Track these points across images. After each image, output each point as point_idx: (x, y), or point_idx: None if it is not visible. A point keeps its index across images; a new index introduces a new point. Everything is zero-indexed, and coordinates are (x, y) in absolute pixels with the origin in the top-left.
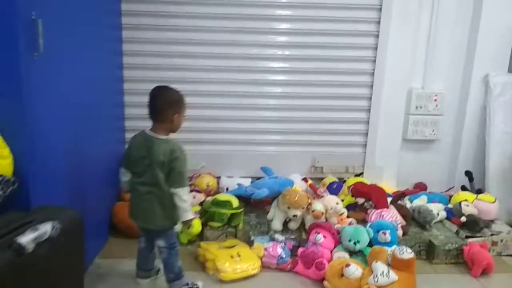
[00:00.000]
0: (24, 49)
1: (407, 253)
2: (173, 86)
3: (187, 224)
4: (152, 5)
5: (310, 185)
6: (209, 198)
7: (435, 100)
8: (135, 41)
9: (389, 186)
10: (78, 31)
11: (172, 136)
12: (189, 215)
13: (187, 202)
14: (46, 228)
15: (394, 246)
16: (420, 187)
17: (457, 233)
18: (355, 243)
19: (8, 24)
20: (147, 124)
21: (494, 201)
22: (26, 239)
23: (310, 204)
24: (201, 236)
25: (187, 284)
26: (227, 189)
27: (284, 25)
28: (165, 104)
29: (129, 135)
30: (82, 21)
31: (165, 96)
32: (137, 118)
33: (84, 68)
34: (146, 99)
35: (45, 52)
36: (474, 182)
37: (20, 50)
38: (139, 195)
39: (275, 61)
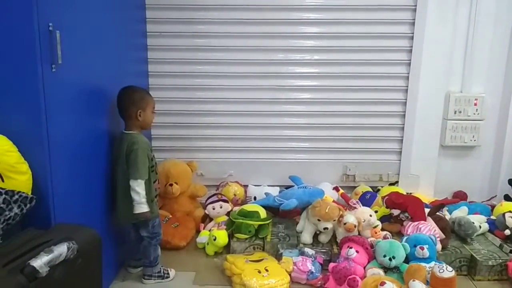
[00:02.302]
0: (42, 61)
1: (448, 272)
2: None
3: (142, 217)
4: (176, 12)
5: (342, 195)
6: (236, 208)
7: (475, 104)
8: (159, 49)
9: (426, 196)
10: (100, 40)
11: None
12: (141, 208)
13: (140, 194)
14: (61, 250)
15: (433, 263)
16: (459, 196)
17: (500, 247)
18: (390, 259)
19: (25, 36)
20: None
21: None
22: (40, 262)
23: (341, 216)
24: (227, 248)
25: (159, 271)
26: (254, 198)
27: (312, 29)
28: (127, 103)
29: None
30: (104, 30)
31: (127, 95)
32: (161, 127)
33: (107, 79)
34: (172, 106)
35: (64, 64)
36: None
37: (37, 63)
38: (115, 190)
39: (304, 65)
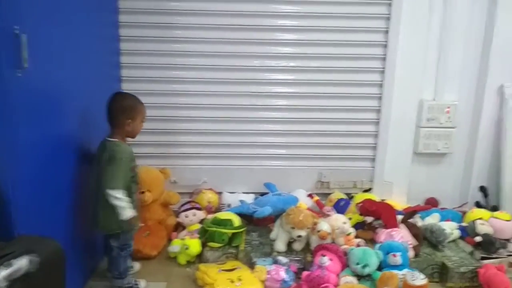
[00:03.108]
0: (6, 66)
1: (420, 279)
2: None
3: (129, 224)
4: (151, 16)
5: (317, 202)
6: (210, 216)
7: (448, 112)
8: (133, 53)
9: (399, 202)
10: (71, 44)
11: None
12: (126, 213)
13: (122, 200)
14: (21, 263)
15: (405, 270)
16: (431, 203)
17: (471, 254)
18: (363, 267)
19: None
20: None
21: (511, 219)
22: None
23: (315, 223)
24: (200, 257)
25: (129, 283)
26: (229, 205)
27: (288, 35)
28: (118, 111)
29: None
30: (76, 33)
31: (118, 102)
32: None
33: (78, 83)
34: None
35: (31, 68)
36: (489, 198)
37: (1, 67)
38: (95, 199)
39: (280, 72)
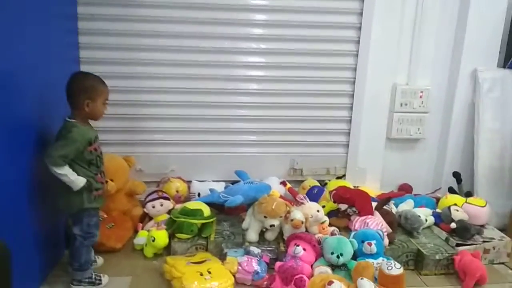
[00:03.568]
0: None
1: (396, 269)
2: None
3: (86, 187)
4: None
5: (289, 189)
6: (178, 206)
7: (421, 96)
8: (93, 33)
9: (373, 189)
10: (20, 22)
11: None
12: (78, 183)
13: (67, 173)
14: None
15: (380, 258)
16: (405, 189)
17: (446, 240)
18: (338, 256)
19: None
20: None
21: (485, 205)
22: None
23: (288, 212)
24: (168, 249)
25: (90, 277)
26: (198, 194)
27: (260, 16)
28: (76, 91)
29: None
30: (27, 11)
31: (77, 82)
32: None
33: (30, 67)
34: None
35: None
36: (462, 184)
37: None
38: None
39: (251, 55)
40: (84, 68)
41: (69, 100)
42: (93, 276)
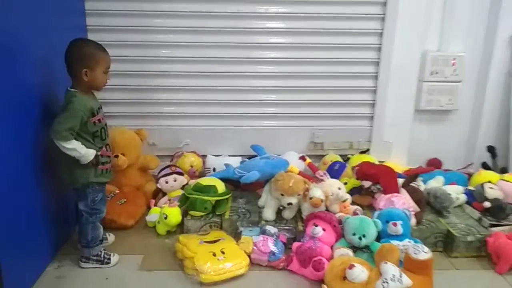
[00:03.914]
0: None
1: (424, 253)
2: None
3: (94, 162)
4: None
5: (309, 164)
6: (192, 182)
7: (453, 64)
8: None
9: (399, 164)
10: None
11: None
12: (87, 156)
13: (76, 147)
14: None
15: (406, 240)
16: (434, 164)
17: (479, 220)
18: (360, 238)
19: None
20: None
21: None
22: None
23: (307, 190)
24: (181, 227)
25: (98, 254)
26: (214, 169)
27: None
28: (73, 59)
29: None
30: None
31: (74, 50)
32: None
33: (34, 34)
34: (118, 66)
35: None
36: (497, 159)
37: None
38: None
39: (271, 20)
40: (91, 36)
41: (68, 69)
42: (102, 254)
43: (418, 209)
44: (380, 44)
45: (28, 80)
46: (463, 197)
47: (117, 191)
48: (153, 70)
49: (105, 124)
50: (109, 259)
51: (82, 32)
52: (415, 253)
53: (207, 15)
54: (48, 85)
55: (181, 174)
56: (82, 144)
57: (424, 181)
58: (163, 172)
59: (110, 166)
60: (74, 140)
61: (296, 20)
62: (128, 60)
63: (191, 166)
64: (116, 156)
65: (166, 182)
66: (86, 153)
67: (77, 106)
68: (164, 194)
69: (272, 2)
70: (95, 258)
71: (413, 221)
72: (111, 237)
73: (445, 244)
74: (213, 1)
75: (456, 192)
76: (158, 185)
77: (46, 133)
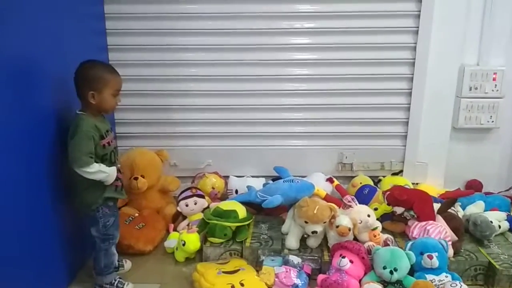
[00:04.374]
0: None
1: None
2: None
3: (116, 187)
4: None
5: (337, 187)
6: (213, 205)
7: (494, 79)
8: (121, 18)
9: (435, 186)
10: (44, 7)
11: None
12: (111, 175)
13: (100, 169)
14: None
15: (443, 274)
16: (473, 187)
17: None
18: (391, 272)
19: None
20: None
21: None
22: None
23: (333, 217)
24: (200, 253)
25: (111, 283)
26: (236, 191)
27: None
28: (80, 81)
29: None
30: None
31: (82, 72)
32: (125, 110)
33: (53, 54)
34: (138, 86)
35: None
36: None
37: None
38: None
39: (295, 35)
40: (112, 55)
41: (76, 92)
42: (116, 283)
43: (456, 238)
44: (414, 59)
45: (45, 103)
46: (505, 225)
47: (137, 214)
48: (174, 89)
49: (115, 148)
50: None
51: (103, 52)
52: None
53: (230, 32)
54: (65, 108)
55: (202, 196)
56: None
57: (463, 207)
58: (183, 195)
59: (121, 184)
60: (95, 163)
61: (322, 35)
62: (149, 79)
63: (213, 188)
64: (136, 179)
65: (186, 205)
66: (110, 171)
67: (85, 128)
68: (184, 217)
69: (297, 17)
70: (108, 286)
71: (450, 252)
72: (127, 264)
73: (486, 277)
74: (235, 18)
75: (498, 219)
76: (178, 208)
77: (60, 157)
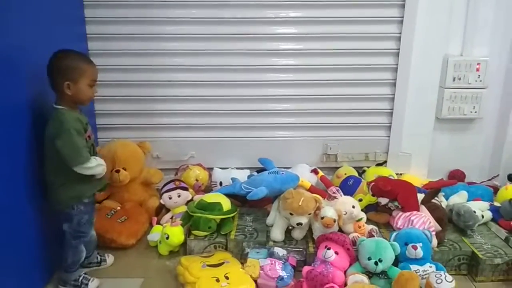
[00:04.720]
0: None
1: (446, 282)
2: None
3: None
4: None
5: (321, 178)
6: (197, 197)
7: (477, 69)
8: (100, 5)
9: (419, 176)
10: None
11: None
12: (105, 166)
13: (94, 167)
14: None
15: (427, 264)
16: (456, 177)
17: (506, 240)
18: (376, 262)
19: None
20: None
21: None
22: None
23: (318, 208)
24: (184, 246)
25: (76, 280)
26: (220, 183)
27: None
28: (54, 71)
29: None
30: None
31: (55, 62)
32: (105, 101)
33: (29, 44)
34: (118, 76)
35: None
36: None
37: None
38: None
39: (281, 25)
40: (91, 45)
41: (50, 84)
42: (80, 279)
43: (439, 228)
44: (398, 49)
45: (20, 95)
46: (488, 215)
47: (119, 208)
48: (157, 80)
49: (93, 141)
50: (87, 284)
51: (82, 41)
52: (437, 282)
53: (214, 21)
54: (40, 100)
55: (185, 189)
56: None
57: (446, 197)
58: (166, 187)
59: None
60: (92, 157)
61: (307, 25)
62: (130, 69)
63: (197, 180)
64: (118, 171)
65: (170, 198)
66: (103, 163)
67: (71, 123)
68: (168, 210)
69: (282, 6)
70: (73, 283)
71: (434, 242)
72: (110, 258)
73: (470, 267)
74: (220, 7)
75: (481, 209)
76: (161, 201)
77: (36, 153)
